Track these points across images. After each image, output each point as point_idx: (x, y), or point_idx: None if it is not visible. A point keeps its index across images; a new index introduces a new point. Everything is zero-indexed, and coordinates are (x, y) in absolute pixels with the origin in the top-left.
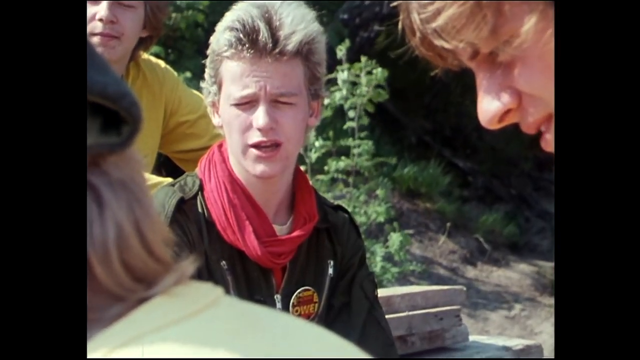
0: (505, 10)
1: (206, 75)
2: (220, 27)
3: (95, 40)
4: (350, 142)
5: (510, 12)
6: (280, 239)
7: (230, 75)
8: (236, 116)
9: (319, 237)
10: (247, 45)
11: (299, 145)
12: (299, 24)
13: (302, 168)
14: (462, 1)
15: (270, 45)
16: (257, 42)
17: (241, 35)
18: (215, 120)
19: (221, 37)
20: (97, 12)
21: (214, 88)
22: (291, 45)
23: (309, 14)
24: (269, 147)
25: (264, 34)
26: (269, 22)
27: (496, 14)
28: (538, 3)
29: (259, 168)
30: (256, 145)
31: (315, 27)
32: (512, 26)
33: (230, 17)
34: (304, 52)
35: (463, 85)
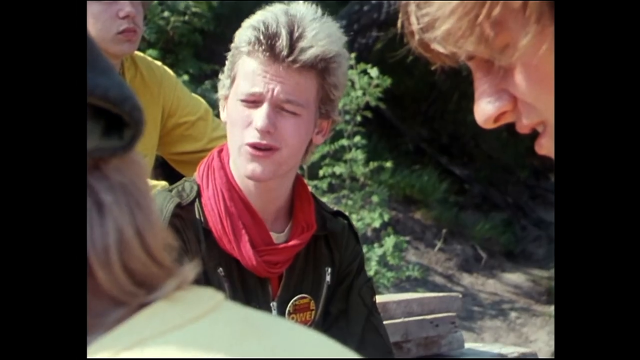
0: (505, 23)
1: (225, 68)
2: (246, 23)
3: (120, 37)
4: (344, 142)
5: (511, 25)
6: (277, 247)
7: (244, 70)
8: (240, 111)
9: (316, 244)
10: (263, 47)
11: (296, 156)
12: (320, 40)
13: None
14: (460, 15)
15: (285, 52)
16: (274, 47)
17: (261, 37)
18: (223, 115)
19: (243, 33)
20: (119, 10)
21: (228, 82)
22: (306, 56)
23: (336, 34)
24: (263, 149)
25: (282, 41)
26: (290, 31)
27: (495, 27)
28: (535, 15)
29: (250, 167)
30: (252, 145)
31: (336, 48)
32: (510, 38)
33: (257, 17)
34: (319, 67)
35: (460, 93)
